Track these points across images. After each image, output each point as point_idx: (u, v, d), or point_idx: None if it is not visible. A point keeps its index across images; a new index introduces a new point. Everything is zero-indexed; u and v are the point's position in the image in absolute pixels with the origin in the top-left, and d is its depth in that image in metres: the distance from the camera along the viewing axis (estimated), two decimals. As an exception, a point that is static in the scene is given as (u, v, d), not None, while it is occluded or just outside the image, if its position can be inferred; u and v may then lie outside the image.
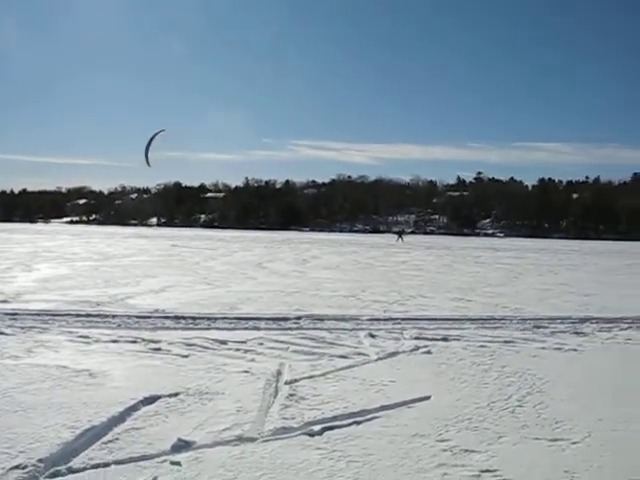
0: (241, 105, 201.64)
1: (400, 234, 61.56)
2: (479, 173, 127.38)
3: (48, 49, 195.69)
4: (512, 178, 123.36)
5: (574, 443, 4.99)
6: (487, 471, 4.39)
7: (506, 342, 9.17)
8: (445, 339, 9.27)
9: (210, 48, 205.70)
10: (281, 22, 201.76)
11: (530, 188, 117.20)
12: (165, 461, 4.46)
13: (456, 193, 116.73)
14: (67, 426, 5.07)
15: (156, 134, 16.88)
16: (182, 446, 4.70)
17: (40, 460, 4.37)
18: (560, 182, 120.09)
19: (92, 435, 4.91)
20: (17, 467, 4.26)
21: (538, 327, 10.51)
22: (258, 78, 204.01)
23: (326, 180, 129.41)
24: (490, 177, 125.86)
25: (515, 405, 6.00)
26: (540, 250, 46.23)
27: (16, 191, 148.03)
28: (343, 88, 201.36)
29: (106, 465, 4.38)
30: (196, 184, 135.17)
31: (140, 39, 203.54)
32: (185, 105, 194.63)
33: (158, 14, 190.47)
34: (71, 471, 4.28)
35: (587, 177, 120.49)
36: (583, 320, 11.32)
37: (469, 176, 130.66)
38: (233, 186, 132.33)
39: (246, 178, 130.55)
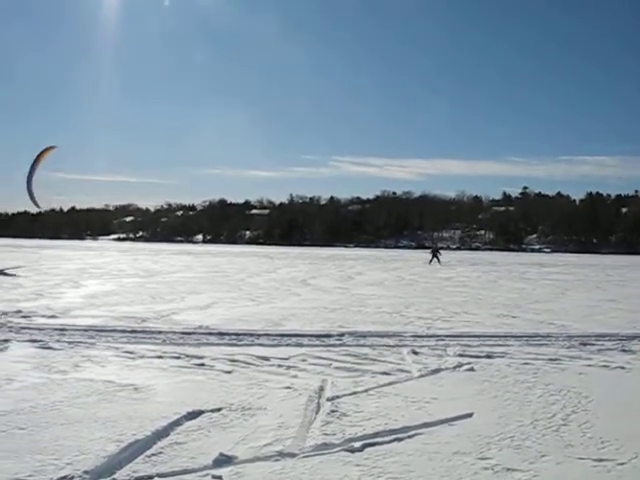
0: (280, 122, 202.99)
1: (435, 252, 43.66)
2: (525, 188, 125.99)
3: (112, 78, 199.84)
4: (559, 193, 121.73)
5: (620, 464, 4.88)
6: (529, 490, 4.34)
7: (551, 360, 9.03)
8: (489, 356, 9.18)
9: (255, 65, 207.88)
10: (322, 37, 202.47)
11: (577, 202, 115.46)
12: (207, 475, 4.51)
13: (502, 208, 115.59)
14: (112, 439, 5.17)
15: (41, 153, 14.72)
16: (224, 461, 4.74)
17: (86, 472, 4.46)
18: (608, 196, 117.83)
19: (136, 448, 4.99)
20: (64, 478, 4.36)
21: (584, 344, 10.32)
22: (296, 94, 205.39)
23: (370, 196, 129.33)
24: (536, 192, 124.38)
25: (559, 424, 5.91)
26: (588, 266, 45.45)
27: (65, 209, 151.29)
28: (384, 103, 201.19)
29: (149, 478, 4.45)
30: (241, 201, 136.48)
31: (179, 60, 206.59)
32: (226, 123, 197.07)
33: (196, 34, 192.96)
34: (115, 483, 4.36)
35: (637, 191, 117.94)
36: (631, 337, 11.08)
37: (515, 191, 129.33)
38: (277, 202, 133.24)
39: (290, 194, 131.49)
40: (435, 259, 41.99)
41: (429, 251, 45.99)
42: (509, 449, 5.16)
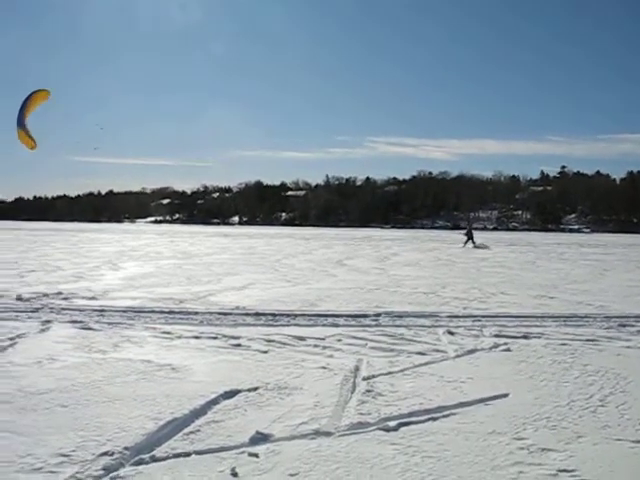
0: (314, 102, 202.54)
1: (469, 234, 37.79)
2: (563, 167, 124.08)
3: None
4: (598, 172, 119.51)
5: (658, 445, 4.86)
6: (564, 471, 4.33)
7: (589, 340, 8.94)
8: (525, 337, 9.13)
9: (289, 47, 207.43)
10: (357, 20, 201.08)
11: (617, 181, 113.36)
12: (243, 452, 4.59)
13: (539, 188, 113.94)
14: (151, 417, 5.28)
15: (32, 96, 13.89)
16: (260, 438, 4.82)
17: (126, 448, 4.58)
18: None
19: (174, 426, 5.10)
20: (105, 454, 4.47)
21: (623, 325, 10.19)
22: (333, 76, 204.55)
23: (406, 177, 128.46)
24: (575, 171, 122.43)
25: (596, 405, 5.87)
26: (628, 245, 44.72)
27: (103, 192, 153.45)
28: (413, 82, 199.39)
29: (187, 455, 4.55)
30: (277, 182, 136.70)
31: (223, 42, 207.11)
32: (261, 106, 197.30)
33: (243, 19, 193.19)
34: (154, 459, 4.46)
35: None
36: (672, 318, 10.91)
37: (553, 171, 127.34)
38: (314, 184, 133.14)
39: (326, 176, 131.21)
40: (470, 241, 37.23)
41: (463, 232, 41.02)
42: (545, 429, 5.15)
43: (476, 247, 35.61)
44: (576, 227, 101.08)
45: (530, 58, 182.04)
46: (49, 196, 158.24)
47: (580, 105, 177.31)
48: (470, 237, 37.43)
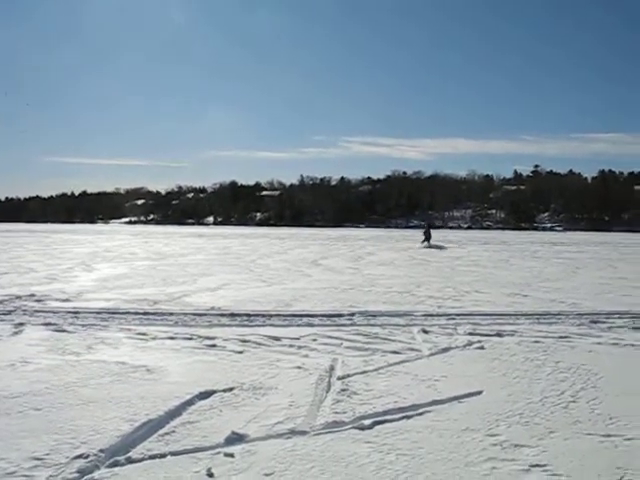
0: (291, 102, 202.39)
1: (427, 232, 37.87)
2: (536, 166, 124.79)
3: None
4: (571, 171, 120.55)
5: (628, 439, 4.94)
6: (537, 466, 4.40)
7: (561, 337, 9.06)
8: (499, 334, 9.23)
9: (265, 48, 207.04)
10: (331, 19, 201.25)
11: (590, 180, 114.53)
12: (219, 453, 4.60)
13: (513, 187, 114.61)
14: (126, 419, 5.27)
15: None
16: (235, 439, 4.83)
17: (101, 450, 4.57)
18: (621, 173, 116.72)
19: (149, 427, 5.10)
20: (80, 456, 4.46)
21: (595, 322, 10.34)
22: (308, 75, 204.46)
23: (381, 176, 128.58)
24: (548, 170, 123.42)
25: (568, 400, 5.96)
26: (600, 244, 45.17)
27: (76, 193, 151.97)
28: (392, 83, 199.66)
29: (163, 456, 4.55)
30: (251, 182, 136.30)
31: (197, 39, 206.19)
32: (235, 106, 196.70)
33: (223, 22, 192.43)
34: (130, 461, 4.46)
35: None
36: (642, 315, 11.07)
37: (526, 170, 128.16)
38: (288, 184, 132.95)
39: (301, 176, 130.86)
40: (427, 240, 36.60)
41: (422, 231, 39.67)
42: (518, 426, 5.22)
43: (430, 247, 35.33)
44: (549, 225, 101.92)
45: (504, 57, 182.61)
46: (21, 197, 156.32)
47: (553, 104, 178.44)
48: (428, 237, 37.15)
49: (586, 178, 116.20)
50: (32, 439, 4.81)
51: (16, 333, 9.18)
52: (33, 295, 13.13)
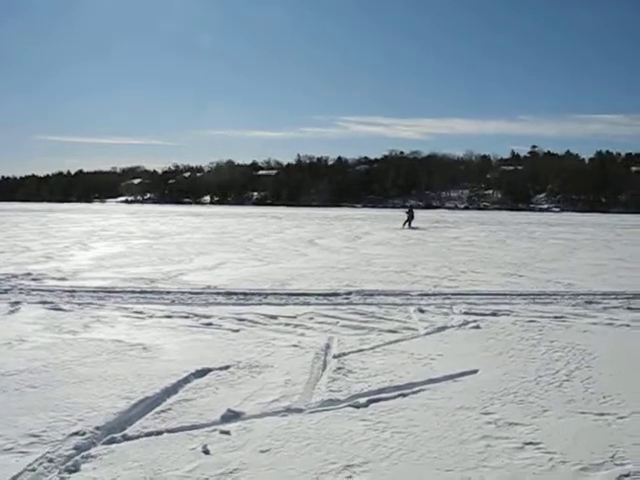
0: (291, 83, 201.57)
1: (410, 212, 37.80)
2: (533, 147, 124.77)
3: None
4: (568, 152, 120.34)
5: (621, 418, 4.97)
6: (530, 444, 4.42)
7: (556, 317, 9.09)
8: (494, 314, 9.26)
9: (264, 31, 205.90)
10: (329, 3, 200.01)
11: (587, 161, 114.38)
12: (215, 430, 4.62)
13: (510, 168, 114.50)
14: (122, 396, 5.29)
15: None
16: (231, 416, 4.85)
17: (97, 428, 4.58)
18: (618, 155, 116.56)
19: (146, 405, 5.11)
20: (76, 434, 4.48)
21: (590, 302, 10.37)
22: (306, 56, 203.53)
23: (378, 156, 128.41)
24: (545, 151, 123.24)
25: (562, 380, 5.99)
26: (597, 225, 45.26)
27: (73, 172, 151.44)
28: (389, 63, 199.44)
29: (159, 433, 4.57)
30: (248, 162, 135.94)
31: (206, 27, 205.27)
32: (232, 85, 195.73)
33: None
34: (126, 438, 4.47)
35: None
36: (637, 296, 11.10)
37: (523, 150, 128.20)
38: (285, 163, 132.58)
39: (298, 155, 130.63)
40: (408, 222, 36.63)
41: (405, 211, 39.43)
42: (512, 404, 5.25)
43: (411, 228, 35.18)
44: (546, 206, 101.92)
45: (500, 38, 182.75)
46: (17, 176, 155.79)
47: (551, 85, 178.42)
48: (409, 219, 37.05)
49: (583, 159, 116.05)
50: (29, 416, 4.82)
51: (12, 312, 9.18)
52: (29, 274, 13.11)
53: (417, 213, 41.13)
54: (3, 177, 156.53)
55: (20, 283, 11.84)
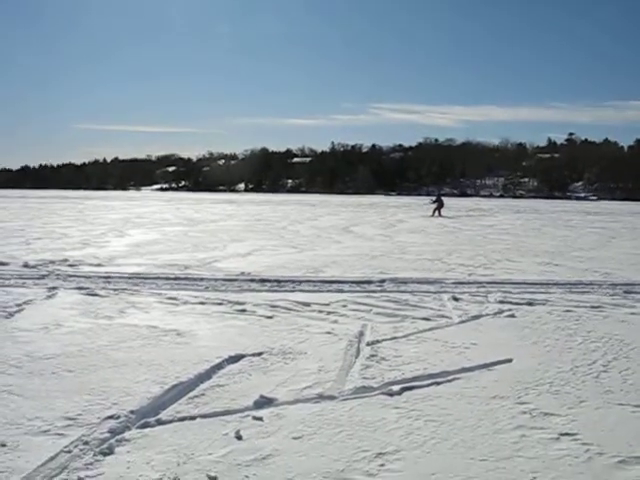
0: (319, 70, 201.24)
1: (439, 200, 37.08)
2: (570, 134, 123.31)
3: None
4: (606, 139, 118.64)
5: (660, 410, 4.88)
6: (566, 434, 4.35)
7: (593, 307, 8.94)
8: (530, 303, 9.14)
9: (294, 21, 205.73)
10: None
11: (625, 149, 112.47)
12: (248, 416, 4.63)
13: (547, 155, 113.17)
14: (156, 381, 5.33)
15: None
16: (264, 402, 4.85)
17: (132, 412, 4.62)
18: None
19: (179, 390, 5.14)
20: (111, 417, 4.52)
21: (629, 292, 10.18)
22: (332, 44, 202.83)
23: (412, 143, 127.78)
24: (582, 139, 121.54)
25: (599, 370, 5.89)
26: (635, 213, 44.52)
27: (109, 160, 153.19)
28: (419, 52, 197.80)
29: (192, 418, 4.59)
30: (282, 149, 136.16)
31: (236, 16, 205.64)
32: (266, 73, 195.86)
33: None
34: (160, 422, 4.50)
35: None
36: (677, 285, 10.89)
37: (560, 138, 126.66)
38: (319, 151, 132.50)
39: (332, 142, 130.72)
40: (437, 211, 35.89)
41: (432, 200, 38.58)
42: (547, 394, 5.17)
43: (441, 217, 34.42)
44: (582, 195, 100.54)
45: (532, 29, 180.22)
46: (54, 164, 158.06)
47: (587, 71, 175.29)
48: (439, 207, 36.34)
49: (622, 147, 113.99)
50: (65, 399, 4.88)
51: (50, 297, 9.30)
52: (66, 260, 13.28)
53: (450, 201, 40.75)
54: (41, 165, 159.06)
55: (57, 269, 11.99)
